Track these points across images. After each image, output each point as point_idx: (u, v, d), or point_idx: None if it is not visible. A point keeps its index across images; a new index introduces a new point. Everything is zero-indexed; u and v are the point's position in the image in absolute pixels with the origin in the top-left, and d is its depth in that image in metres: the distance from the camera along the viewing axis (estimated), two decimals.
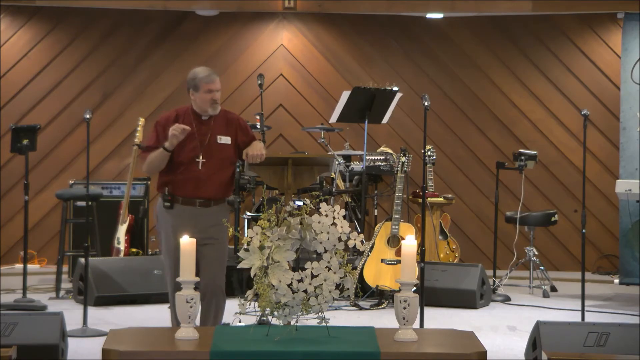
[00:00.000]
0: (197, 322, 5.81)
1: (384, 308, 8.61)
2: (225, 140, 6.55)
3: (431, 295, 8.34)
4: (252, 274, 5.06)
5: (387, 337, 5.15)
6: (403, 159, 9.08)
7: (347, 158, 9.92)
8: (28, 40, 11.03)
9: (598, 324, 6.17)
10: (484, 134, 11.29)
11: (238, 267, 5.15)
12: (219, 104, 6.55)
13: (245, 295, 5.14)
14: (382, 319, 8.13)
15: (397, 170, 9.06)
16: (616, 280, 10.28)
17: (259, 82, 9.36)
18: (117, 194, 10.07)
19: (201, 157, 6.45)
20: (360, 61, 11.25)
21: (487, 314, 8.54)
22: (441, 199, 9.91)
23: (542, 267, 9.75)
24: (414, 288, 5.23)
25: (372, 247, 8.86)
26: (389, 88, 9.59)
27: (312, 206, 5.22)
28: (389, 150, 10.15)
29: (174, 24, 11.17)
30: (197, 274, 5.20)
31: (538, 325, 6.08)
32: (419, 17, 11.11)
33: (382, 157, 10.04)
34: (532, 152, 9.88)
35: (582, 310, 7.73)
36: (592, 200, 10.93)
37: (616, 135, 10.75)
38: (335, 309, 8.43)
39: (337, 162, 9.56)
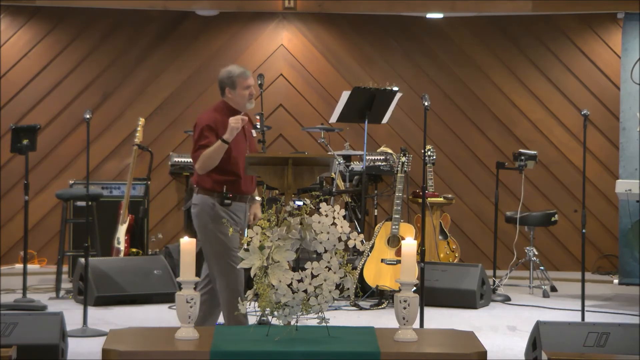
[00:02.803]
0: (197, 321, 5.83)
1: (384, 308, 8.61)
2: (254, 133, 6.87)
3: (431, 295, 8.34)
4: (252, 274, 5.06)
5: (387, 337, 5.15)
6: (403, 159, 9.08)
7: (347, 158, 9.92)
8: (28, 40, 11.03)
9: (598, 324, 6.17)
10: (484, 134, 11.29)
11: (238, 267, 5.16)
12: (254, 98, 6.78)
13: (245, 295, 5.14)
14: (382, 319, 8.12)
15: (397, 170, 9.06)
16: (616, 281, 10.28)
17: (259, 82, 9.34)
18: (117, 194, 10.08)
19: (248, 151, 6.60)
20: (360, 61, 11.25)
21: (487, 314, 8.54)
22: (441, 199, 9.91)
23: (542, 267, 9.75)
24: (414, 288, 5.23)
25: (372, 247, 8.86)
26: (389, 88, 9.59)
27: (312, 206, 5.22)
28: (389, 150, 10.15)
29: (174, 24, 11.17)
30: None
31: (538, 325, 6.08)
32: (419, 17, 11.11)
33: (382, 157, 10.04)
34: (532, 152, 9.88)
35: (582, 310, 7.73)
36: (592, 200, 10.93)
37: (616, 135, 10.75)
38: (335, 309, 8.43)
39: (337, 162, 9.56)
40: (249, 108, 6.74)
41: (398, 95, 9.66)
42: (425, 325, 7.15)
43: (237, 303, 6.10)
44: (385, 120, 9.84)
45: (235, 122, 6.52)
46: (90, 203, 8.64)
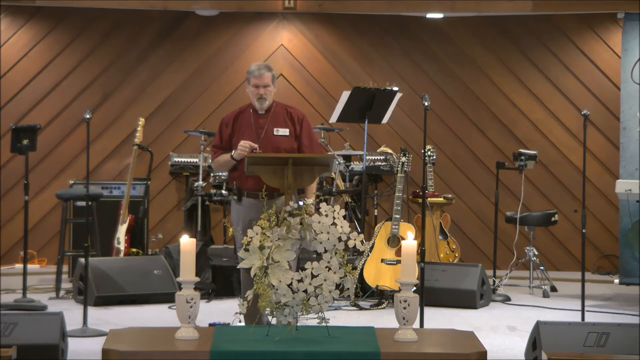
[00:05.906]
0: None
1: (384, 308, 8.61)
2: (283, 132, 6.77)
3: (431, 295, 8.34)
4: (252, 274, 5.06)
5: (387, 337, 5.15)
6: (403, 159, 9.08)
7: (347, 158, 9.92)
8: (28, 40, 11.03)
9: (598, 324, 6.16)
10: (484, 134, 11.29)
11: (238, 267, 5.16)
12: (266, 99, 6.73)
13: (245, 295, 5.14)
14: (382, 319, 8.12)
15: (397, 170, 9.06)
16: (616, 280, 10.29)
17: None
18: (117, 194, 10.08)
19: (258, 149, 6.57)
20: (360, 61, 11.25)
21: (487, 314, 8.53)
22: (441, 199, 9.91)
23: (542, 267, 9.75)
24: (414, 288, 5.23)
25: (372, 247, 8.86)
26: (389, 88, 9.59)
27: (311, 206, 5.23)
28: (389, 150, 10.15)
29: (174, 24, 11.17)
30: None
31: (538, 325, 6.08)
32: (419, 17, 11.11)
33: (382, 157, 10.04)
34: (532, 152, 9.88)
35: (582, 310, 7.72)
36: (592, 200, 10.93)
37: (616, 135, 10.76)
38: (335, 309, 8.43)
39: (337, 162, 9.56)
40: (257, 107, 6.74)
41: (398, 95, 9.66)
42: (425, 325, 7.14)
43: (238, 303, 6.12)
44: (385, 120, 9.83)
45: (242, 148, 6.60)
46: (90, 203, 8.64)
